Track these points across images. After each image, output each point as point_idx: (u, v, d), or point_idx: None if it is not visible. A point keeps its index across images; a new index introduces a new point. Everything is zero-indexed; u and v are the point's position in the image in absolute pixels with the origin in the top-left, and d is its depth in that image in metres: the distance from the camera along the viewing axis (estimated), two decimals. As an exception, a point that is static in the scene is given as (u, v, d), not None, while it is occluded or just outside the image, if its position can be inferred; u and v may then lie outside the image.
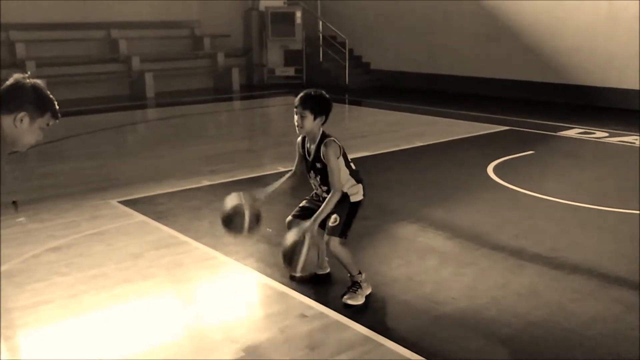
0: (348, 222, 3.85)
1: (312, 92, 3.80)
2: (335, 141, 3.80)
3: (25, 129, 2.52)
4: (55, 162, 7.68)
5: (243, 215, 3.76)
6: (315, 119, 3.75)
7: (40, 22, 12.63)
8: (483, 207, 5.84)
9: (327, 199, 3.75)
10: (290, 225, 4.00)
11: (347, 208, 3.84)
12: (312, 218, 3.71)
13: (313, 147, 3.84)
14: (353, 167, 3.94)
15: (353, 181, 3.90)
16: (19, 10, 12.22)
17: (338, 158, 3.78)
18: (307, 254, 3.58)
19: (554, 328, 3.52)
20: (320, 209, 3.74)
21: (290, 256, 3.61)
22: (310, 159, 3.87)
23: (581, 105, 11.69)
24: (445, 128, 9.86)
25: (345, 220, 3.83)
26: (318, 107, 3.76)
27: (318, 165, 3.83)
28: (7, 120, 2.50)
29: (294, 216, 4.04)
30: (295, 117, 3.78)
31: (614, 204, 5.75)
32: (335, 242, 3.81)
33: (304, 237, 3.59)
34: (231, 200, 3.86)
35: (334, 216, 3.79)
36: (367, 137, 8.96)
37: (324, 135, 3.82)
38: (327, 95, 3.86)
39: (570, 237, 5.00)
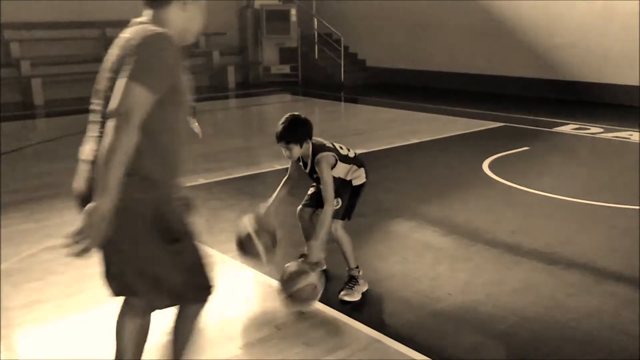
0: (350, 204, 3.90)
1: (287, 124, 3.66)
2: (326, 155, 3.71)
3: (196, 12, 2.22)
4: (51, 161, 7.66)
5: (252, 241, 3.72)
6: (301, 147, 3.68)
7: (35, 21, 12.60)
8: (479, 203, 5.85)
9: (322, 216, 3.61)
10: (300, 215, 4.06)
11: (348, 191, 3.89)
12: (317, 242, 3.56)
13: (308, 160, 3.79)
14: (351, 155, 3.93)
15: (355, 167, 3.91)
16: (13, 10, 12.18)
17: (333, 167, 3.76)
18: (306, 285, 3.41)
19: (550, 323, 3.54)
20: (318, 227, 3.59)
21: (287, 282, 3.44)
22: (307, 170, 3.87)
23: (576, 101, 11.73)
24: (441, 125, 9.88)
25: (347, 203, 3.87)
26: (300, 136, 3.67)
27: (315, 175, 3.84)
28: (175, 8, 2.19)
29: (304, 205, 4.07)
30: (282, 150, 3.71)
31: (609, 199, 5.77)
32: (337, 226, 3.85)
33: (307, 270, 3.46)
34: (240, 227, 3.83)
35: (336, 199, 3.78)
36: (362, 135, 8.97)
37: (315, 150, 3.73)
38: (303, 118, 3.73)
39: (565, 233, 5.02)
